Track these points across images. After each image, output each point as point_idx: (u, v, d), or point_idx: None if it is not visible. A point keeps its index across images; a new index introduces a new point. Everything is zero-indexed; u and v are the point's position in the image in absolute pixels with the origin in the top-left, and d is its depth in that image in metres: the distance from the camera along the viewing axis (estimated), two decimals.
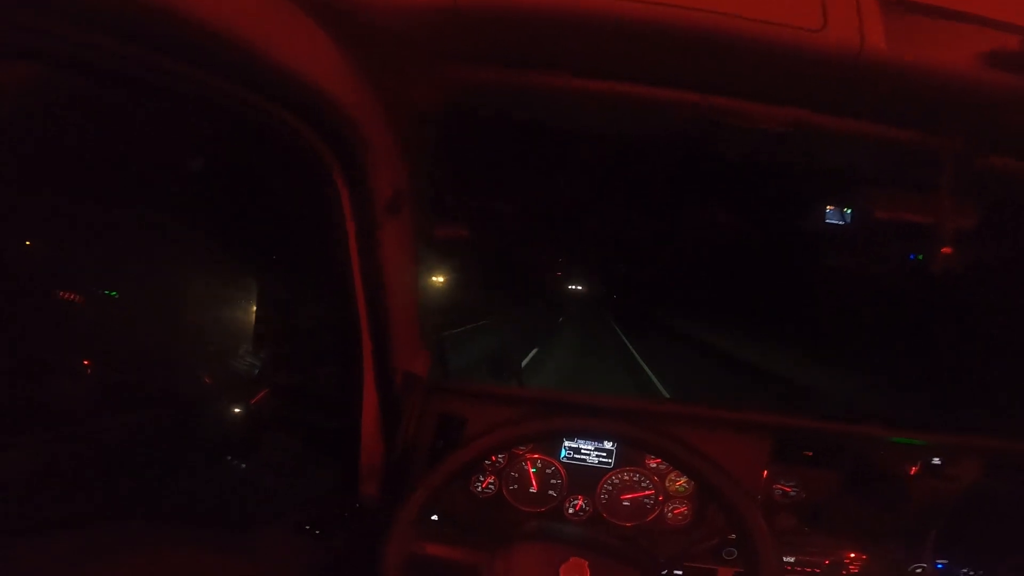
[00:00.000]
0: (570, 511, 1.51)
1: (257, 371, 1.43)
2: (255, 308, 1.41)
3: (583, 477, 1.51)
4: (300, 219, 1.20)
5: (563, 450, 1.53)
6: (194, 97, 0.84)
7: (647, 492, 1.50)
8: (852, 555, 1.44)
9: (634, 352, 12.23)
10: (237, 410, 1.48)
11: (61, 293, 1.43)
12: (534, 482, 1.52)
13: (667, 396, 7.42)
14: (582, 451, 1.52)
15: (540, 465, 1.52)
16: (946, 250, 0.85)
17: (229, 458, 1.53)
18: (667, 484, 1.50)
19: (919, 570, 1.41)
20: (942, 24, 0.73)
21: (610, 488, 1.51)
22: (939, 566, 1.42)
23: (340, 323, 1.21)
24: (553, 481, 1.51)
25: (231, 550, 1.19)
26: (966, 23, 0.73)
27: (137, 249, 1.46)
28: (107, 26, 0.63)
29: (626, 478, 1.51)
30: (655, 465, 1.51)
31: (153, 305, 1.45)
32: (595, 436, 1.51)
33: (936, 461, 1.39)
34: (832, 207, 1.12)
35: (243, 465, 1.54)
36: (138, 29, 0.64)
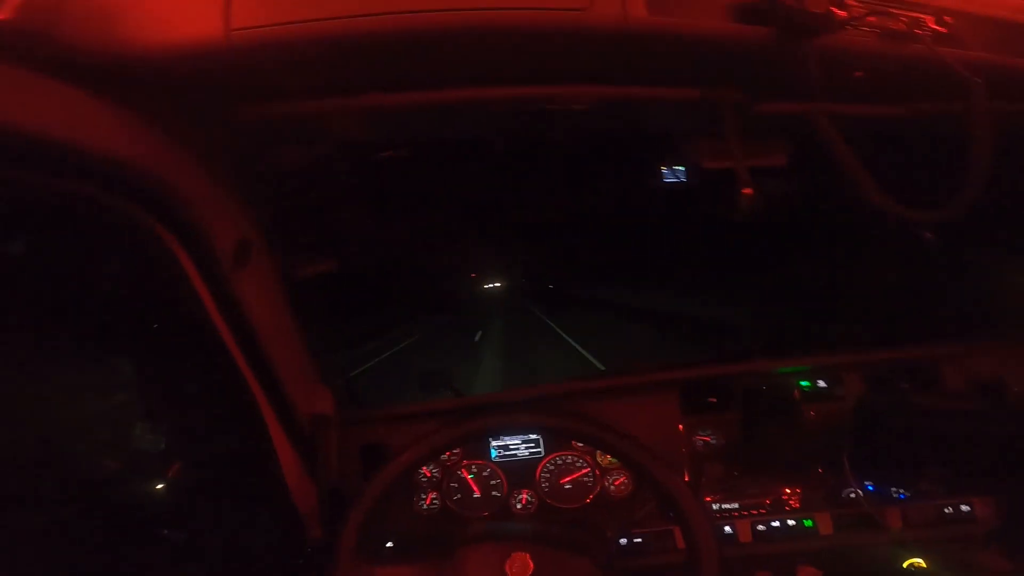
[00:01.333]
0: (517, 507, 1.53)
1: (163, 445, 1.41)
2: (138, 387, 1.38)
3: (520, 471, 1.54)
4: (149, 292, 1.17)
5: (493, 450, 1.55)
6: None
7: (583, 471, 1.53)
8: (787, 490, 1.49)
9: (555, 327, 12.62)
10: (158, 485, 1.46)
11: None
12: (475, 487, 1.53)
13: (601, 367, 7.59)
14: (511, 447, 1.55)
15: (476, 470, 1.54)
16: (746, 191, 0.89)
17: (165, 530, 1.51)
18: (598, 459, 1.53)
19: (852, 495, 1.46)
20: None
21: (548, 475, 1.53)
22: (870, 488, 1.46)
23: (227, 382, 1.20)
24: (492, 482, 1.53)
25: None
26: None
27: None
28: None
29: (560, 462, 1.54)
30: (582, 444, 1.54)
31: (21, 408, 1.40)
32: (517, 430, 1.53)
33: (821, 384, 1.44)
34: (665, 167, 1.17)
35: (182, 534, 1.52)
36: None
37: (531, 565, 1.03)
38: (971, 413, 1.35)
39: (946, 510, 1.45)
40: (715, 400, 1.51)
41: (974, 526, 1.45)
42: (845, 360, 1.49)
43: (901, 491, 1.46)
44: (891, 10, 0.75)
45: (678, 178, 1.17)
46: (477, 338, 11.93)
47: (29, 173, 0.77)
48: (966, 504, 1.46)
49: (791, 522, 1.47)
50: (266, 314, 1.16)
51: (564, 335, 11.25)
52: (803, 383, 1.45)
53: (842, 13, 0.75)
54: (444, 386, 1.88)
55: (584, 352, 9.20)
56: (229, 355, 1.13)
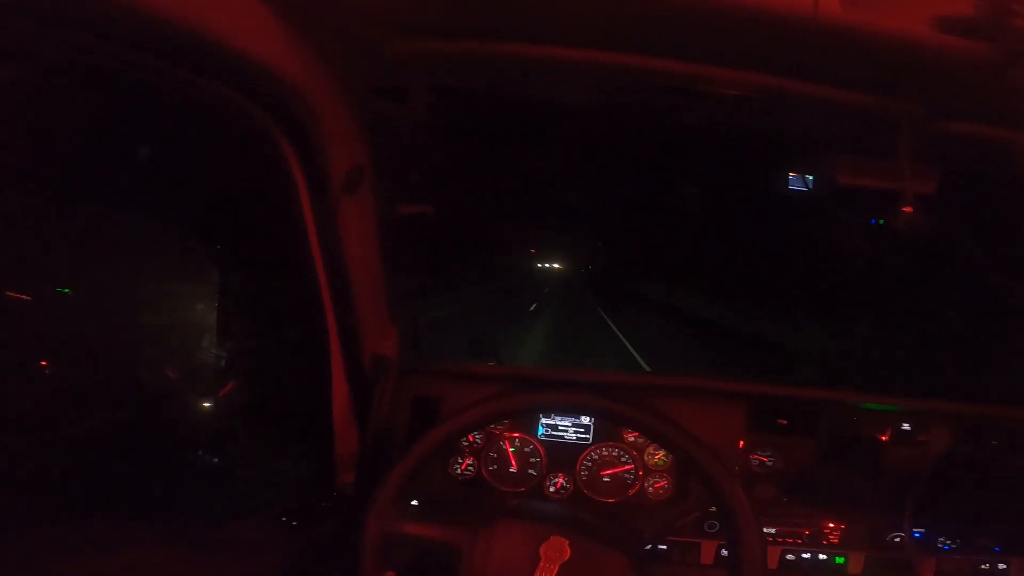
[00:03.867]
0: (551, 489, 1.50)
1: (223, 363, 1.39)
2: (217, 298, 1.37)
3: (562, 454, 1.50)
4: (256, 203, 1.16)
5: (540, 427, 1.52)
6: (137, 82, 0.81)
7: (627, 467, 1.50)
8: (831, 524, 1.45)
9: (612, 325, 12.30)
10: (206, 404, 1.44)
11: (8, 292, 1.38)
12: (513, 461, 1.50)
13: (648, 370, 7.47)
14: (559, 427, 1.52)
15: (519, 444, 1.51)
16: (907, 209, 0.84)
17: (201, 452, 1.50)
18: (646, 458, 1.49)
19: (897, 539, 1.42)
20: None
21: (590, 464, 1.50)
22: (916, 535, 1.42)
23: (304, 308, 1.18)
24: (532, 460, 1.50)
25: (206, 545, 1.16)
26: None
27: (88, 244, 1.40)
28: (35, 10, 0.61)
29: (605, 453, 1.50)
30: (633, 439, 1.50)
31: (109, 301, 1.40)
32: (571, 411, 1.50)
33: (906, 427, 1.39)
34: (795, 174, 1.11)
35: (215, 459, 1.51)
36: (68, 13, 0.62)
37: (568, 552, 1.00)
38: None
39: (982, 566, 1.41)
40: (785, 422, 1.47)
41: None
42: (937, 407, 1.45)
43: (948, 542, 1.42)
44: None
45: (805, 187, 1.11)
46: (532, 308, 11.70)
47: (191, 73, 0.77)
48: (1004, 563, 1.42)
49: (822, 556, 1.43)
50: (360, 244, 1.14)
51: (619, 333, 11.01)
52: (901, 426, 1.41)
53: None
54: (491, 355, 1.85)
55: (635, 353, 9.08)
56: (315, 278, 1.11)
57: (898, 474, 1.37)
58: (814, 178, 1.12)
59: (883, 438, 1.37)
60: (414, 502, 1.46)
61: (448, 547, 1.05)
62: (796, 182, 1.12)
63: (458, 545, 1.04)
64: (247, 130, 0.91)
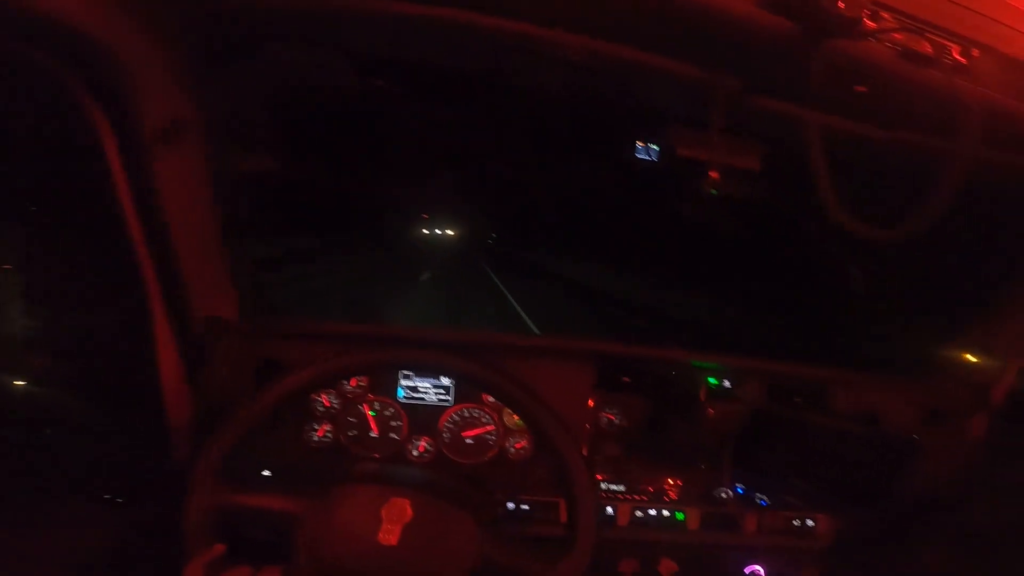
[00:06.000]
0: (414, 453, 1.48)
1: (35, 333, 1.22)
2: (20, 261, 1.19)
3: (424, 417, 1.48)
4: (59, 158, 1.01)
5: (400, 390, 1.48)
6: None
7: (488, 427, 1.50)
8: (671, 481, 1.53)
9: (501, 286, 12.53)
10: (17, 382, 1.27)
11: None
12: (373, 426, 1.46)
13: (536, 332, 7.68)
14: (420, 389, 1.49)
15: (379, 407, 1.47)
16: (713, 175, 0.87)
17: (16, 432, 1.33)
18: (505, 419, 1.51)
19: (723, 494, 1.53)
20: None
21: (451, 426, 1.49)
22: (739, 491, 1.54)
23: (122, 272, 1.05)
24: (393, 423, 1.47)
25: (18, 526, 1.05)
26: None
27: None
28: None
29: (466, 415, 1.50)
30: (492, 400, 1.51)
31: None
32: (429, 371, 1.47)
33: (727, 384, 1.48)
34: (641, 143, 1.12)
35: (37, 438, 1.34)
36: None
37: (409, 512, 0.99)
38: (845, 434, 1.45)
39: (794, 522, 1.55)
40: (629, 380, 1.52)
41: (813, 541, 1.56)
42: (752, 365, 1.54)
43: (764, 498, 1.55)
44: (924, 31, 0.73)
45: (650, 157, 1.13)
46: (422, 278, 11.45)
47: None
48: (812, 519, 1.56)
49: (666, 513, 1.52)
50: (182, 200, 1.03)
51: (508, 294, 11.04)
52: (711, 380, 1.49)
53: (872, 24, 0.72)
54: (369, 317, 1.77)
55: (522, 313, 9.12)
56: (130, 240, 0.99)
57: (718, 429, 1.46)
58: (659, 149, 1.14)
59: (703, 392, 1.46)
60: (265, 472, 1.38)
61: (286, 516, 1.00)
62: (642, 152, 1.14)
63: (296, 513, 1.00)
64: (47, 86, 0.81)
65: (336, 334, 1.41)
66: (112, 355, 1.23)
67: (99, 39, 0.76)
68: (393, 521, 0.98)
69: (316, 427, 1.44)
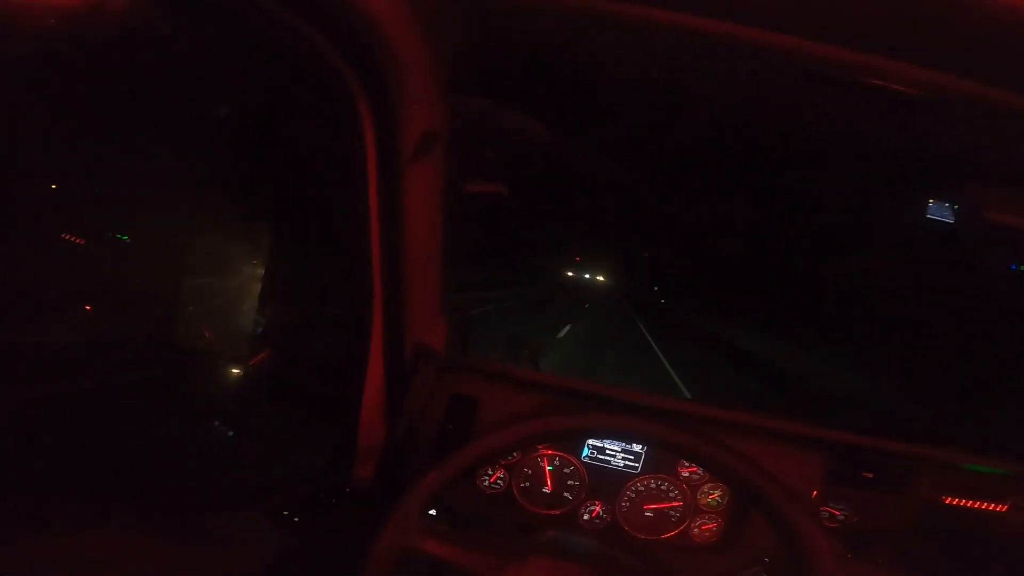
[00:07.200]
0: (585, 517, 1.36)
1: (260, 330, 1.32)
2: (266, 263, 1.30)
3: (605, 481, 1.36)
4: (319, 159, 1.09)
5: (585, 448, 1.37)
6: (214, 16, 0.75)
7: (674, 503, 1.34)
8: None
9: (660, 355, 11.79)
10: (235, 371, 1.38)
11: (64, 235, 1.36)
12: (549, 482, 1.37)
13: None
14: (607, 451, 1.37)
15: (558, 463, 1.37)
16: None
17: (217, 423, 1.43)
18: (699, 496, 1.34)
19: None
20: None
21: (633, 495, 1.35)
22: None
23: (353, 283, 1.09)
24: (571, 483, 1.37)
25: (184, 536, 1.00)
26: None
27: (149, 192, 1.37)
28: None
29: (652, 486, 1.35)
30: (688, 475, 1.35)
31: (163, 251, 1.36)
32: (625, 437, 1.35)
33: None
34: (935, 201, 0.94)
35: (230, 432, 1.43)
36: None
37: None
38: None
39: None
40: (871, 476, 1.29)
41: None
42: None
43: None
44: None
45: (942, 217, 0.93)
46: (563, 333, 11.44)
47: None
48: None
49: None
50: (422, 217, 1.03)
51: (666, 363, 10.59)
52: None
53: None
54: (530, 359, 1.72)
55: (678, 381, 8.73)
56: (369, 252, 1.01)
57: (1007, 549, 1.18)
58: (958, 207, 0.94)
59: (999, 507, 1.18)
60: (431, 511, 1.34)
61: (469, 573, 0.94)
62: (936, 210, 0.95)
63: (482, 574, 0.93)
64: (321, 73, 0.84)
65: (527, 381, 1.36)
66: (325, 365, 1.27)
67: (384, 37, 0.77)
68: None
69: (490, 473, 1.38)
